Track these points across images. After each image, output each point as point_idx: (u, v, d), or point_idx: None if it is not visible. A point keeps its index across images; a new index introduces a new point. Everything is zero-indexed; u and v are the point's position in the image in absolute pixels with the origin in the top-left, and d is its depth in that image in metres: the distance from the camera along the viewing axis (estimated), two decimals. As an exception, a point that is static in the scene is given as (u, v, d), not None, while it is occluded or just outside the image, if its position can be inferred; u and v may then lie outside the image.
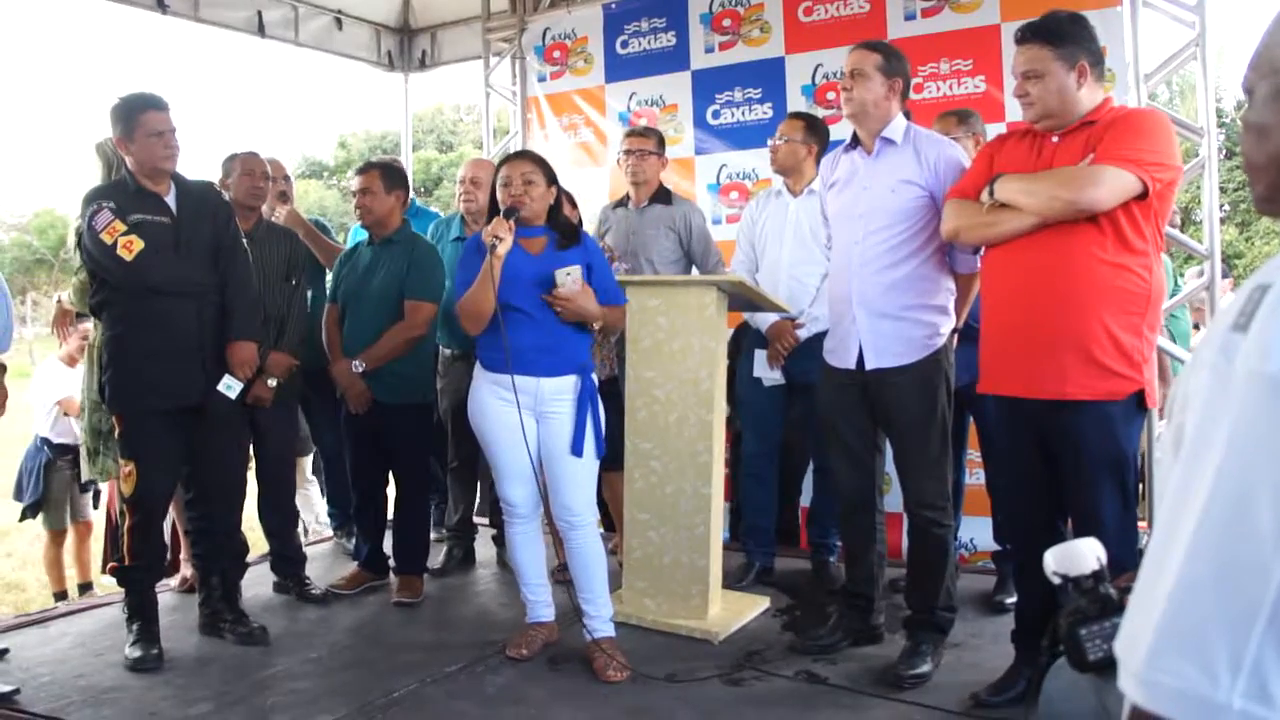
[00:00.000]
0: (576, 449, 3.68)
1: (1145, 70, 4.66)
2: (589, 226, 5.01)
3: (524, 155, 3.91)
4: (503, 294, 3.56)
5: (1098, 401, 3.01)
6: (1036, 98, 3.08)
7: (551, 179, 3.77)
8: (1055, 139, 3.11)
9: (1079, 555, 1.58)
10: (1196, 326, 6.01)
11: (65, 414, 6.13)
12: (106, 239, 3.73)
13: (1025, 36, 3.11)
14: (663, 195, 5.02)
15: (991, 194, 3.13)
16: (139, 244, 3.74)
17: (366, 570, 4.82)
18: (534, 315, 3.64)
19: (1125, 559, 3.22)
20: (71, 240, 4.35)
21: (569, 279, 3.58)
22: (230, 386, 3.96)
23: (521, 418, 3.61)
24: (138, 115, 3.80)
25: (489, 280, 3.53)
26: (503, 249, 3.52)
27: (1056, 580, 1.58)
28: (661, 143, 5.08)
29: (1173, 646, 0.93)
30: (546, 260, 3.69)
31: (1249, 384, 0.94)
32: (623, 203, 5.13)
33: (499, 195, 3.71)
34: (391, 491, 4.84)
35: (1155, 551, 1.01)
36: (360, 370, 4.44)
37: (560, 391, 3.69)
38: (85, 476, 5.34)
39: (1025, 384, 3.12)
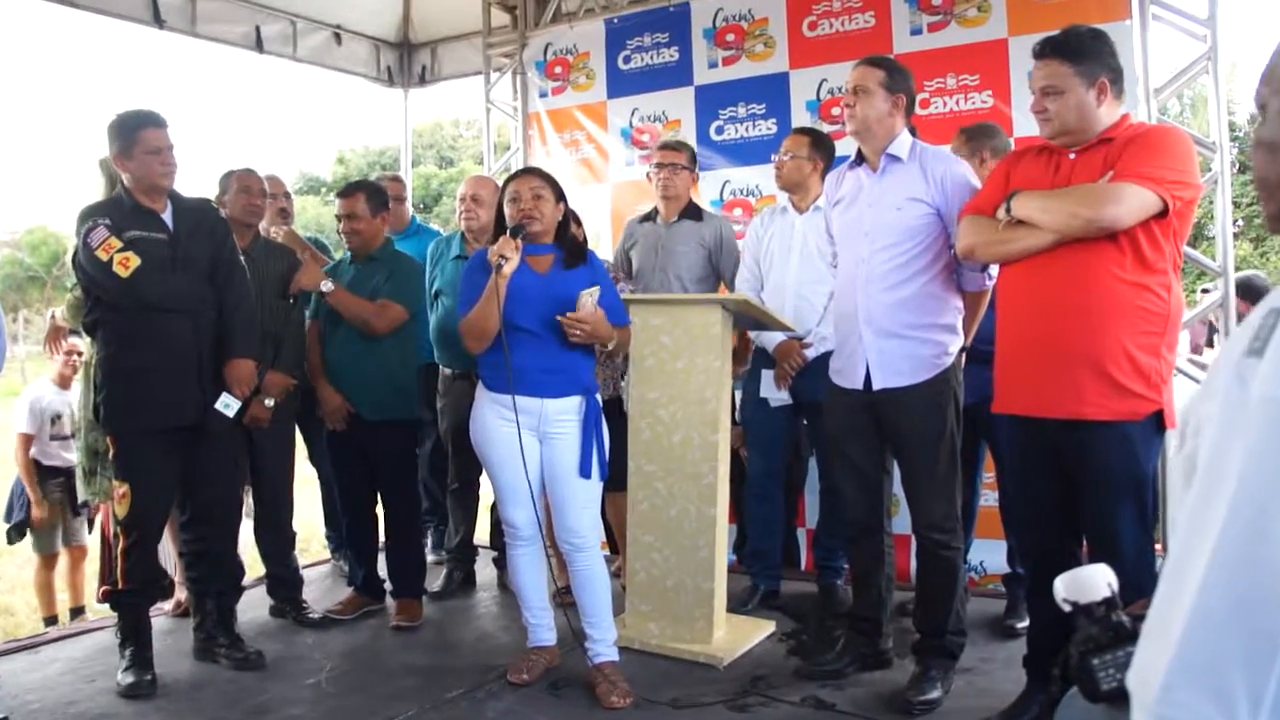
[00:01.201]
0: (584, 471, 3.63)
1: (1155, 84, 4.63)
2: (594, 244, 4.95)
3: (533, 171, 3.88)
4: (508, 313, 3.51)
5: (1115, 422, 2.95)
6: (1055, 114, 3.03)
7: (560, 196, 3.73)
8: (1072, 155, 3.06)
9: (1089, 582, 1.52)
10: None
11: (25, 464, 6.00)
12: (102, 256, 3.68)
13: (1045, 51, 3.05)
14: (692, 211, 4.95)
15: (1008, 211, 3.08)
16: (135, 261, 3.69)
17: (363, 594, 4.75)
18: (540, 335, 3.58)
19: (1142, 582, 3.14)
20: (69, 257, 4.30)
21: (590, 300, 3.52)
22: (229, 405, 3.91)
23: (521, 439, 3.56)
24: (136, 132, 3.77)
25: (494, 300, 3.48)
26: (509, 268, 3.48)
27: (1067, 608, 1.53)
28: (693, 157, 5.02)
29: (1188, 681, 0.89)
30: (553, 279, 3.64)
31: (1264, 410, 0.90)
32: (650, 217, 5.04)
33: (507, 211, 3.67)
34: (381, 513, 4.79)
35: (1169, 582, 0.97)
36: (330, 289, 4.43)
37: (564, 412, 3.63)
38: (81, 497, 5.26)
39: (1041, 403, 3.07)
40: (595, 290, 3.54)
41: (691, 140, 5.77)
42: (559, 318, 3.51)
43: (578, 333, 3.50)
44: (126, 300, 3.74)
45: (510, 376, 3.51)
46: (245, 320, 4.01)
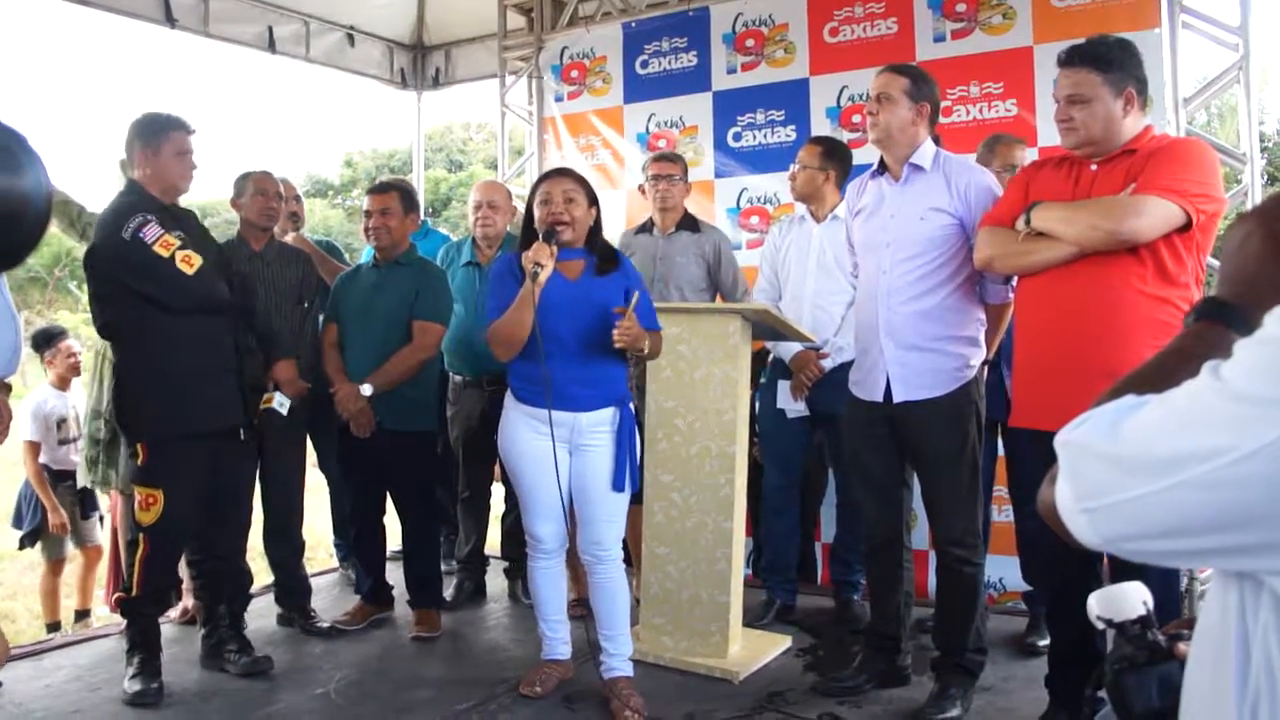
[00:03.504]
0: (618, 484, 3.56)
1: (1184, 94, 4.56)
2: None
3: (565, 172, 3.76)
4: (538, 322, 3.42)
5: (1137, 438, 2.88)
6: (1080, 123, 2.99)
7: (593, 199, 3.64)
8: (1094, 166, 3.03)
9: (1125, 599, 1.47)
10: None
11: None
12: (162, 251, 3.62)
13: (1072, 59, 3.00)
14: (689, 222, 4.89)
15: (1028, 222, 3.04)
16: (198, 259, 3.67)
17: (370, 604, 4.69)
18: (570, 345, 3.49)
19: (1167, 601, 3.12)
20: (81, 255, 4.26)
21: (635, 302, 3.43)
22: (283, 403, 3.96)
23: (556, 453, 3.48)
24: (167, 131, 3.79)
25: (528, 307, 3.37)
26: (544, 275, 3.37)
27: (1100, 625, 1.48)
28: (686, 168, 4.97)
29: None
30: (584, 286, 3.55)
31: None
32: (646, 228, 4.97)
33: (537, 213, 3.57)
34: (390, 521, 4.72)
35: None
36: (369, 395, 4.32)
37: (598, 424, 3.56)
38: (81, 482, 5.20)
39: (1061, 418, 2.99)
40: (636, 296, 3.46)
41: (709, 146, 5.76)
42: (615, 321, 3.39)
43: (623, 338, 3.38)
44: (184, 300, 3.69)
45: (549, 392, 3.40)
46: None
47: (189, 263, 3.64)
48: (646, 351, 3.52)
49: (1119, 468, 0.96)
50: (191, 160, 3.84)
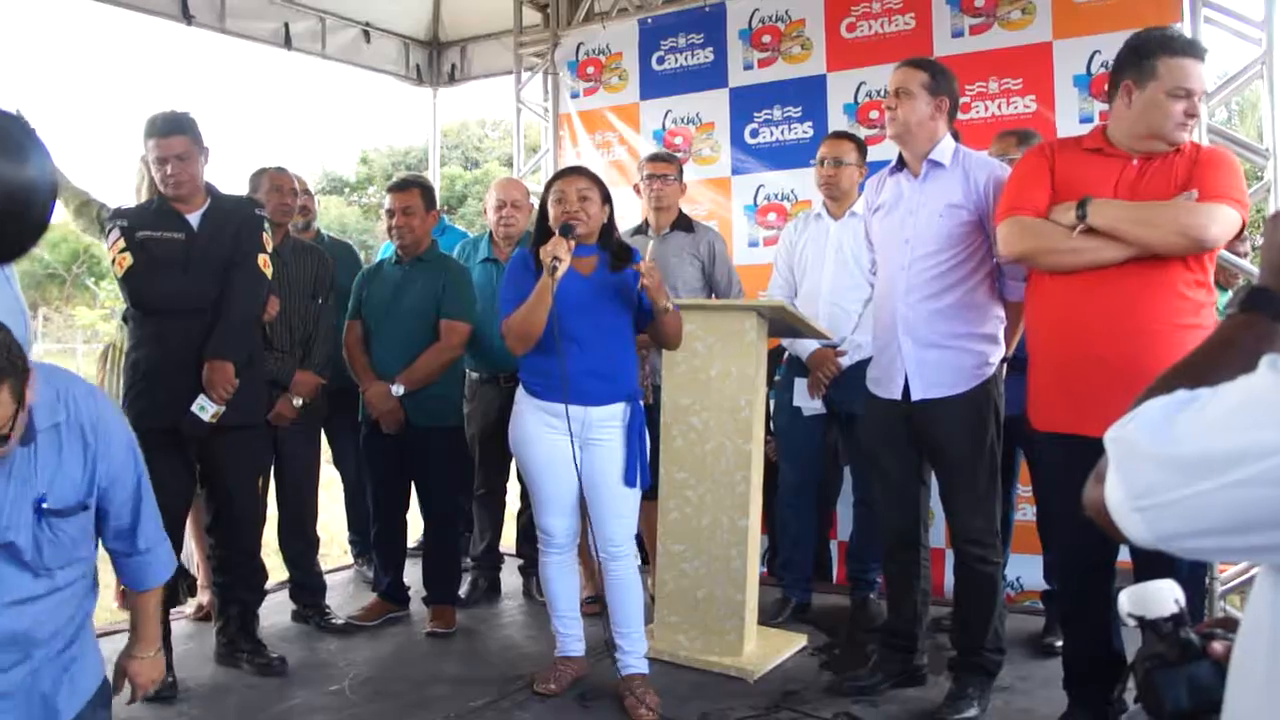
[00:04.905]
0: (629, 480, 3.57)
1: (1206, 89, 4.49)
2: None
3: (579, 171, 3.77)
4: (553, 316, 3.43)
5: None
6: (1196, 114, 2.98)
7: (606, 197, 3.65)
8: (1135, 163, 2.95)
9: (1157, 597, 1.45)
10: None
11: None
12: (110, 254, 3.80)
13: (1194, 50, 2.94)
14: (684, 222, 4.88)
15: (1082, 218, 2.93)
16: (128, 261, 3.74)
17: (387, 600, 4.68)
18: (582, 340, 3.50)
19: (1194, 603, 3.08)
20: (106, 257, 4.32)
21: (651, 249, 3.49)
22: (203, 408, 3.75)
23: (574, 448, 3.50)
24: (145, 140, 3.80)
25: (545, 301, 3.40)
26: (562, 270, 3.39)
27: (1132, 623, 1.46)
28: (681, 169, 4.97)
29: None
30: (597, 282, 3.57)
31: None
32: (641, 229, 4.95)
33: (551, 211, 3.58)
34: (413, 518, 4.71)
35: None
36: (399, 394, 4.31)
37: (608, 419, 3.57)
38: None
39: (1090, 421, 2.95)
40: (651, 245, 3.54)
41: (725, 143, 5.74)
42: (637, 265, 3.43)
43: (649, 280, 3.41)
44: (130, 298, 3.83)
45: (565, 386, 3.42)
46: (234, 322, 3.82)
47: (120, 265, 3.77)
48: (669, 311, 3.52)
49: (1173, 465, 0.95)
50: (170, 166, 3.73)
